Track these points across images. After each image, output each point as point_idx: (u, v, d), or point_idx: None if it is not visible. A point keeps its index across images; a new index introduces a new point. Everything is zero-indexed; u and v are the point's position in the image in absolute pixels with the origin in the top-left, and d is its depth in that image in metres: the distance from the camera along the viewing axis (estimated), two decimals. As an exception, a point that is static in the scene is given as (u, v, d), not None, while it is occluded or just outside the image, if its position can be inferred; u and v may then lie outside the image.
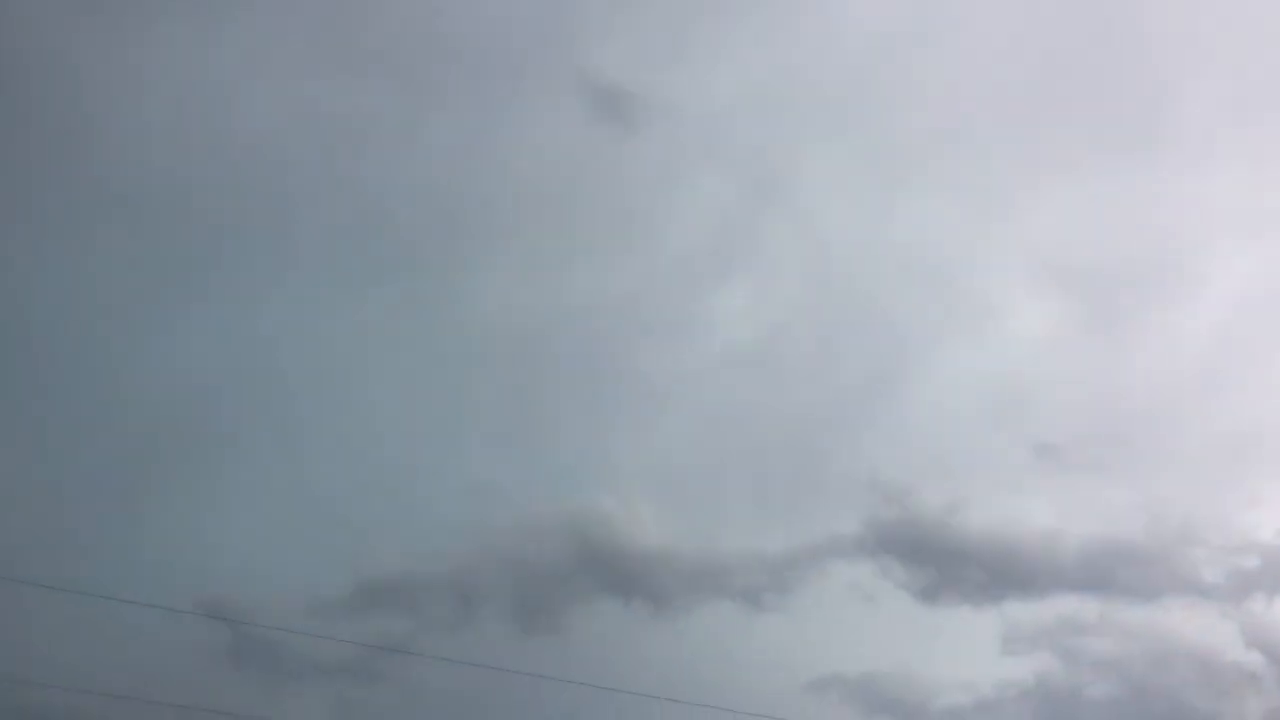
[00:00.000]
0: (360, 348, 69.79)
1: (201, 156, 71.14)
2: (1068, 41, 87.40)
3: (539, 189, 78.75)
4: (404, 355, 71.34)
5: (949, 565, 65.15)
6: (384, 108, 76.33)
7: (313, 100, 75.20)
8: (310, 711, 53.07)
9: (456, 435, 69.55)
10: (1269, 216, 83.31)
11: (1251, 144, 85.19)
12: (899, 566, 64.27)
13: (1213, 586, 65.09)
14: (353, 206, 74.30)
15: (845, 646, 60.93)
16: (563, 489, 70.84)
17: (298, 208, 73.04)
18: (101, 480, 58.34)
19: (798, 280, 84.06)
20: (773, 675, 55.79)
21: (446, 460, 68.54)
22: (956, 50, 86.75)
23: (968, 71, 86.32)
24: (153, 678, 45.81)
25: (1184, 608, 64.73)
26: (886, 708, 58.82)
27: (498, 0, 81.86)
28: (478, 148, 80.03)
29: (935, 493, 68.25)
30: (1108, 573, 64.84)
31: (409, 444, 68.69)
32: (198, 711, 45.19)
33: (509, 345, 73.50)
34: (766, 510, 72.20)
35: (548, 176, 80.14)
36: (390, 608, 60.38)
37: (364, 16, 78.88)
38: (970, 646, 62.95)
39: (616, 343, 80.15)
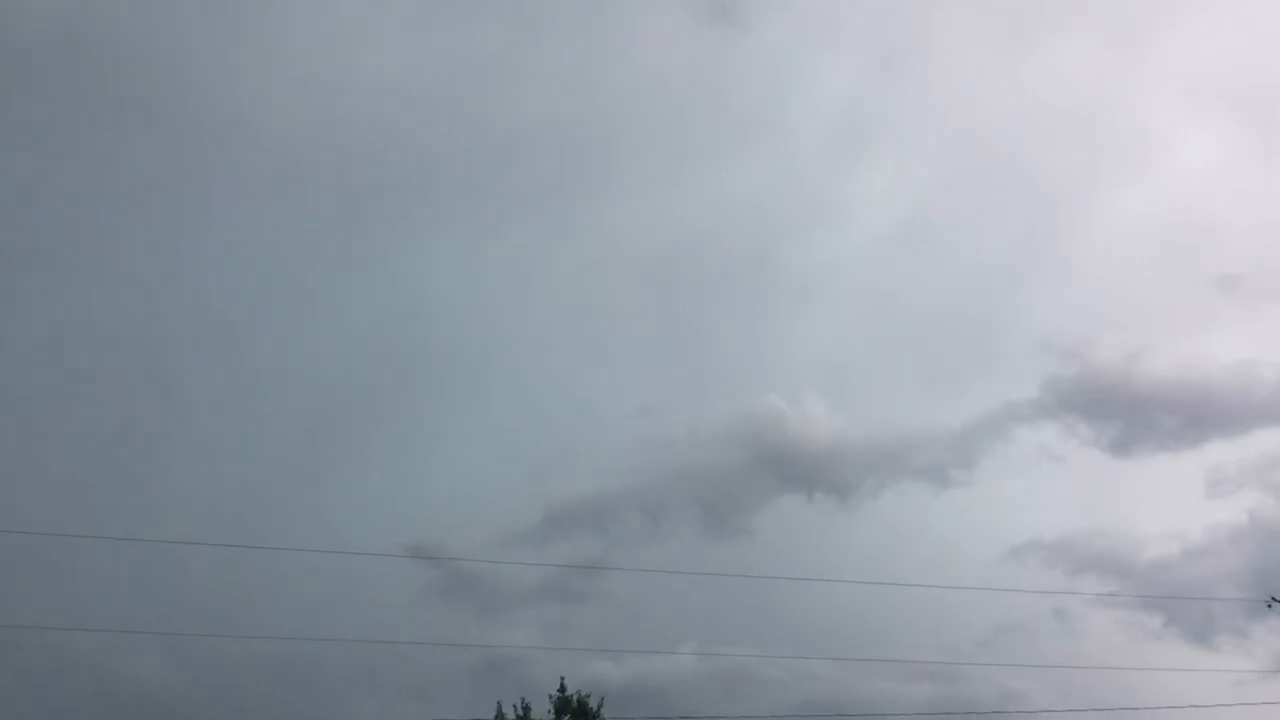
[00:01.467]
0: (518, 282, 71.34)
1: (348, 117, 73.26)
2: None
3: (662, 103, 78.47)
4: (558, 286, 72.65)
5: (1137, 415, 63.04)
6: (504, 45, 77.03)
7: (438, 48, 76.55)
8: (522, 634, 55.68)
9: (619, 357, 70.81)
10: None
11: None
12: (1084, 424, 62.47)
13: None
14: (486, 146, 75.58)
15: (1040, 511, 60.00)
16: (729, 394, 71.47)
17: (439, 157, 74.70)
18: (306, 442, 61.85)
19: (938, 150, 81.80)
20: (969, 548, 55.47)
21: (613, 382, 69.96)
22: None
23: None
24: (375, 619, 48.74)
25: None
26: (1092, 566, 57.74)
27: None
28: (598, 73, 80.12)
29: (1113, 343, 66.23)
30: (1311, 398, 61.73)
31: (577, 371, 70.43)
32: (422, 646, 47.56)
33: (657, 261, 74.02)
34: (938, 386, 71.31)
35: (669, 89, 79.72)
36: (580, 531, 62.38)
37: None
38: (1172, 495, 61.08)
39: (762, 241, 79.76)
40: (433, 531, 58.29)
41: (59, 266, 64.59)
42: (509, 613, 56.69)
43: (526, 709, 33.64)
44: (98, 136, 67.63)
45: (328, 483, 60.63)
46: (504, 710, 33.69)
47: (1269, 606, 36.47)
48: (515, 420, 66.77)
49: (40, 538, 38.25)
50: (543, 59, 79.52)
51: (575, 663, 37.22)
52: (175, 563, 42.97)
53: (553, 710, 33.74)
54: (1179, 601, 48.48)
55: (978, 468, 62.27)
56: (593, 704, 33.74)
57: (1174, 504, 60.48)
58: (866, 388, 72.66)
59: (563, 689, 33.96)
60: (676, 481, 63.78)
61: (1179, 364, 65.15)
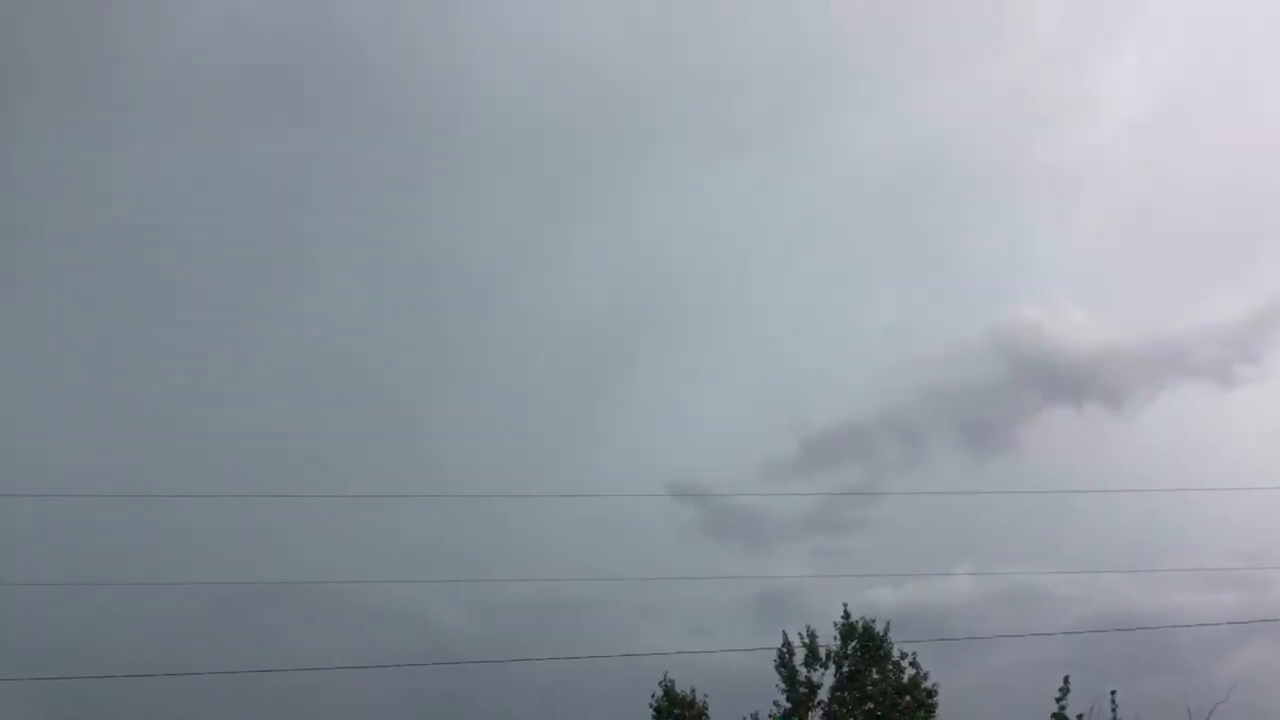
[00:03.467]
0: (756, 214, 70.98)
1: (571, 76, 74.30)
2: None
3: (887, 16, 75.58)
4: (798, 213, 71.71)
5: None
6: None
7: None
8: (791, 566, 56.00)
9: (866, 278, 69.51)
10: None
11: None
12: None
13: None
14: (709, 82, 74.97)
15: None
16: (983, 307, 69.17)
17: (665, 101, 74.68)
18: (563, 391, 63.92)
19: (1190, 29, 75.69)
20: (1260, 448, 51.90)
21: (862, 304, 68.90)
22: None
23: None
24: (641, 559, 50.08)
25: None
26: None
27: None
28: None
29: None
30: None
31: (824, 297, 69.72)
32: (696, 583, 48.54)
33: (897, 176, 71.81)
34: (1210, 277, 66.74)
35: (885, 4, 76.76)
36: (841, 458, 61.99)
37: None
38: None
39: (1006, 145, 76.14)
40: (691, 469, 59.22)
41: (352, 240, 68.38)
42: (776, 546, 57.05)
43: (813, 636, 33.80)
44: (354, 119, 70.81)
45: (586, 429, 62.43)
46: (790, 639, 34.05)
47: None
48: (765, 351, 66.86)
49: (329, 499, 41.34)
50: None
51: (849, 591, 37.06)
52: (450, 516, 45.49)
53: (838, 636, 33.79)
54: None
55: (1265, 362, 58.24)
56: (878, 628, 33.61)
57: None
58: (1131, 288, 68.77)
59: (846, 615, 33.95)
60: (935, 401, 62.38)
61: None
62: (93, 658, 36.77)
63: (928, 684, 32.84)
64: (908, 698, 32.53)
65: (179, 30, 69.70)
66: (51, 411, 56.16)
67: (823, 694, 33.41)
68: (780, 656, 33.85)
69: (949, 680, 33.67)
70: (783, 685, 33.64)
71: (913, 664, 33.01)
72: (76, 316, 62.00)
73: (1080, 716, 28.15)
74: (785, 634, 34.01)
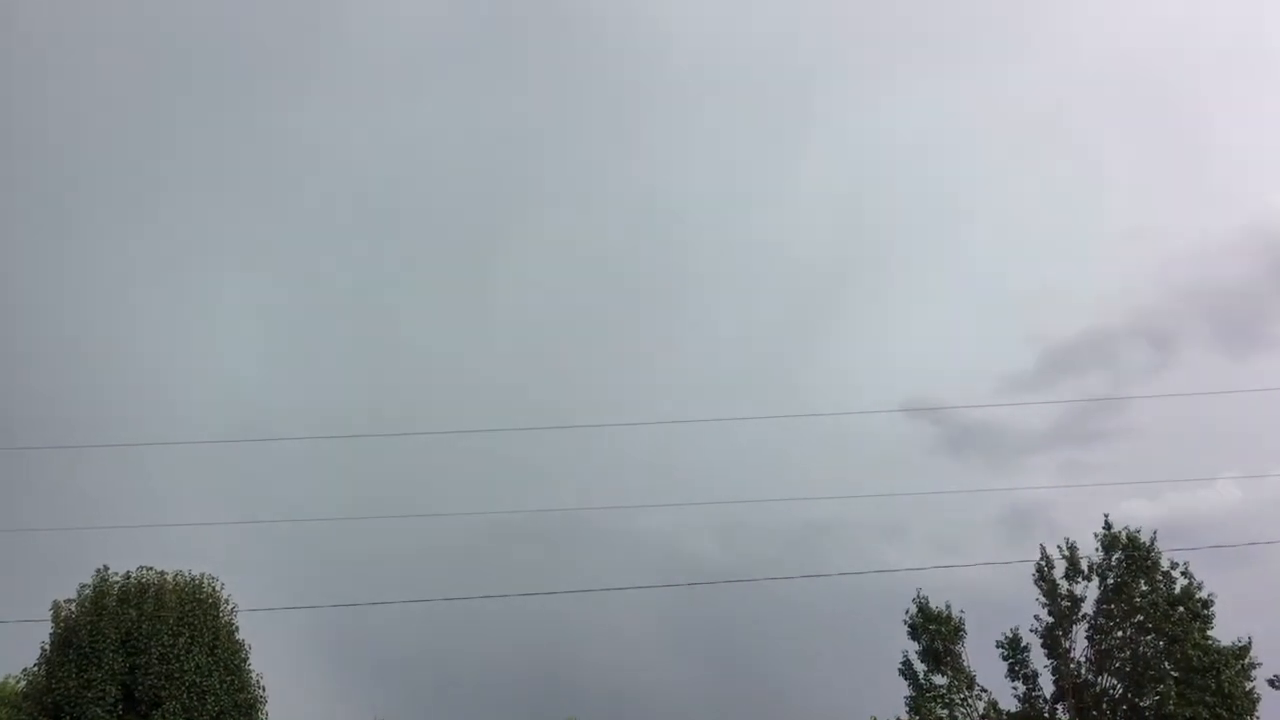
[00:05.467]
0: (975, 131, 68.26)
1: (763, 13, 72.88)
2: None
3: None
4: (1021, 124, 68.46)
5: None
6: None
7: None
8: (1037, 480, 54.46)
9: (1101, 181, 65.90)
10: None
11: None
12: None
13: None
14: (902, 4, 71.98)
15: None
16: (1231, 200, 64.60)
17: (868, 19, 72.30)
18: (792, 317, 63.73)
19: None
20: None
21: (1099, 209, 65.57)
22: None
23: None
24: (881, 479, 49.68)
25: None
26: None
27: None
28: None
29: None
30: None
31: (1055, 205, 66.60)
32: (930, 500, 47.93)
33: (1128, 71, 67.43)
34: None
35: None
36: (1082, 368, 59.62)
37: None
38: None
39: (1250, 29, 70.32)
40: (927, 387, 58.20)
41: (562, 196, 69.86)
42: (1020, 460, 55.65)
43: (1073, 548, 32.74)
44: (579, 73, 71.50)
45: (819, 352, 62.10)
46: (1047, 552, 33.11)
47: None
48: (997, 265, 64.62)
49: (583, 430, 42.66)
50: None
51: (1102, 504, 35.80)
52: (691, 442, 46.20)
53: (1100, 548, 32.60)
54: None
55: None
56: (1144, 538, 32.21)
57: None
58: None
59: (1108, 525, 32.70)
60: (1182, 301, 59.18)
61: None
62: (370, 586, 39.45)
63: (1202, 594, 31.34)
64: (1181, 609, 31.11)
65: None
66: (313, 358, 60.08)
67: (1086, 607, 32.44)
68: (1039, 570, 32.99)
69: (1223, 592, 32.14)
70: (1043, 599, 32.84)
71: (1185, 574, 31.55)
72: (330, 260, 65.70)
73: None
74: (1043, 547, 33.15)
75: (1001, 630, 33.46)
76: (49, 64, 63.90)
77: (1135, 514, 37.93)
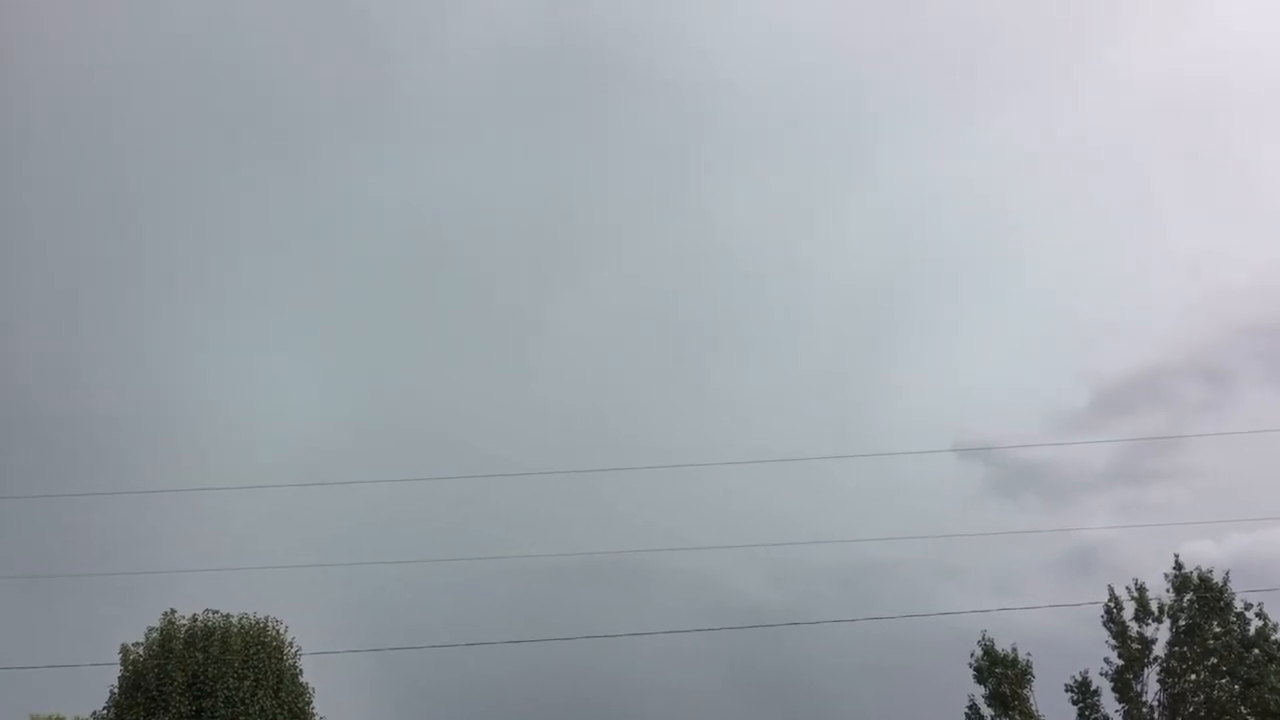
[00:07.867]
0: (1022, 161, 67.60)
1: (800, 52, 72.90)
2: None
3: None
4: (1069, 152, 67.89)
5: None
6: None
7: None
8: (1094, 521, 53.56)
9: (1153, 213, 65.10)
10: None
11: None
12: None
13: None
14: (948, 43, 71.87)
15: None
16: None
17: (911, 55, 72.20)
18: (836, 351, 63.15)
19: None
20: None
21: (1152, 241, 64.63)
22: None
23: None
24: (933, 519, 48.98)
25: None
26: None
27: None
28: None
29: None
30: None
31: (1107, 237, 65.78)
32: (985, 540, 47.24)
33: (1179, 99, 66.78)
34: None
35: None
36: (1135, 407, 58.70)
37: None
38: None
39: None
40: (977, 427, 57.45)
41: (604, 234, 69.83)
42: (1077, 499, 54.78)
43: (1141, 589, 32.20)
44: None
45: (868, 391, 61.55)
46: (1116, 594, 32.56)
47: None
48: (1047, 302, 63.82)
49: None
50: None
51: (1162, 545, 35.19)
52: (745, 481, 45.93)
53: (1171, 589, 32.04)
54: None
55: None
56: (1216, 578, 31.62)
57: None
58: None
59: (1178, 566, 32.15)
60: (1241, 338, 58.16)
61: None
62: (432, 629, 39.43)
63: (1277, 636, 30.65)
64: (1256, 651, 30.47)
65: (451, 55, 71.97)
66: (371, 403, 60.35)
67: (1158, 649, 31.83)
68: (1108, 612, 32.46)
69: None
70: (1113, 641, 32.27)
71: (1259, 614, 30.91)
72: (378, 306, 66.13)
73: None
74: (1111, 589, 32.61)
75: (1065, 674, 33.03)
76: (127, 135, 65.20)
77: (1201, 554, 37.08)
